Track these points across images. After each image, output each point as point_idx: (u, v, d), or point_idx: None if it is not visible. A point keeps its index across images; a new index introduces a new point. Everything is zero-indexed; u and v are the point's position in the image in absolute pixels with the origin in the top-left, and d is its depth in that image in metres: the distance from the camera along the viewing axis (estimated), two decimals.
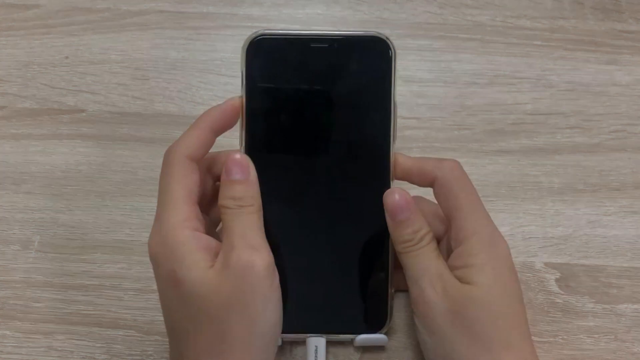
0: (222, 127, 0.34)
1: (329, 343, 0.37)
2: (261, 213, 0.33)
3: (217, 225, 0.37)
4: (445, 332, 0.31)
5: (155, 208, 0.33)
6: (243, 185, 0.32)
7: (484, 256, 0.32)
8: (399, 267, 0.35)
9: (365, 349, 0.38)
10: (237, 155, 0.33)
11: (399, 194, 0.33)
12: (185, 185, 0.32)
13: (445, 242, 0.35)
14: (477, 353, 0.30)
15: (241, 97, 0.34)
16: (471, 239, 0.32)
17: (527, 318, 0.32)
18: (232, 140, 0.44)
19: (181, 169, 0.32)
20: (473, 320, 0.31)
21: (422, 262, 0.33)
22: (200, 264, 0.30)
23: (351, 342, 0.36)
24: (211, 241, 0.32)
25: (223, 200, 0.32)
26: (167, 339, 0.33)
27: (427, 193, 0.40)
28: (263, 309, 0.30)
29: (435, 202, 0.36)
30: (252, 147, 0.34)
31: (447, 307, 0.31)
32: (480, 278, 0.31)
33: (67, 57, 0.47)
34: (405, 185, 0.37)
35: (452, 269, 0.33)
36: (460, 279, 0.32)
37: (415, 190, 0.39)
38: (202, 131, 0.33)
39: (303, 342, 0.37)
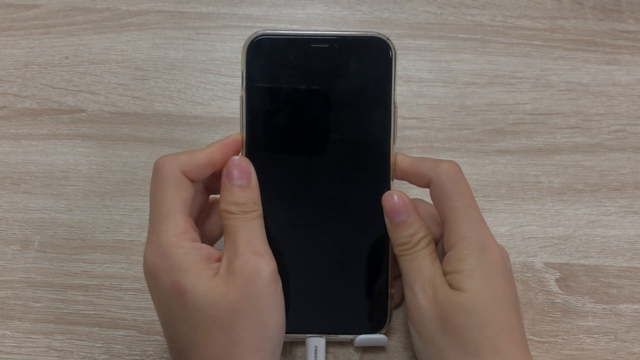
0: (221, 160, 0.33)
1: (328, 343, 0.37)
2: (262, 217, 0.33)
3: (211, 239, 0.36)
4: (434, 337, 0.31)
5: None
6: (245, 190, 0.32)
7: (473, 261, 0.32)
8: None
9: (365, 349, 0.38)
10: (238, 160, 0.33)
11: (397, 195, 0.34)
12: (181, 198, 0.32)
13: (441, 246, 0.35)
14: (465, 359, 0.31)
15: (241, 97, 0.34)
16: (461, 243, 0.32)
17: (521, 323, 0.32)
18: None
19: (176, 181, 0.32)
20: (461, 327, 0.31)
21: (416, 267, 0.33)
22: (206, 272, 0.30)
23: (351, 342, 0.36)
24: (211, 250, 0.32)
25: (226, 205, 0.32)
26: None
27: (426, 194, 0.40)
28: (271, 313, 0.31)
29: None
30: (252, 147, 0.34)
31: (437, 314, 0.31)
32: (469, 284, 0.31)
33: (67, 57, 0.47)
34: (407, 186, 0.37)
35: (444, 273, 0.33)
36: (451, 285, 0.32)
37: (416, 191, 0.39)
38: (201, 156, 0.33)
39: (303, 343, 0.37)
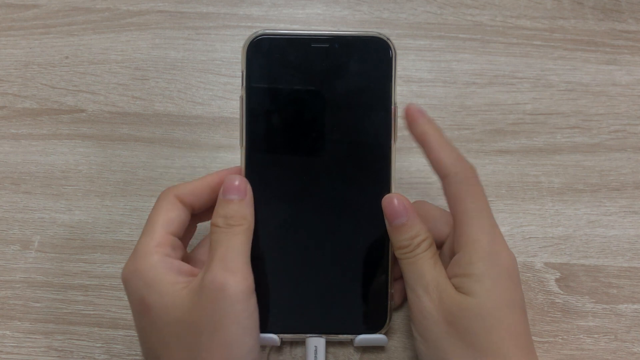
0: (220, 183, 0.34)
1: (328, 343, 0.37)
2: (250, 234, 0.33)
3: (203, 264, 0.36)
4: (439, 341, 0.31)
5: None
6: (236, 205, 0.33)
7: (483, 265, 0.31)
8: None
9: (365, 349, 0.38)
10: (236, 178, 0.33)
11: (397, 198, 0.33)
12: (166, 217, 0.33)
13: (448, 246, 0.35)
14: None
15: (241, 96, 0.34)
16: (471, 246, 0.32)
17: (528, 328, 0.32)
18: (232, 140, 0.45)
19: (166, 204, 0.33)
20: (467, 331, 0.30)
21: (418, 269, 0.32)
22: (170, 287, 0.30)
23: (351, 342, 0.36)
24: (183, 265, 0.32)
25: (214, 218, 0.33)
26: None
27: (426, 194, 0.40)
28: (237, 334, 0.30)
29: (438, 206, 0.36)
30: (252, 147, 0.34)
31: (442, 317, 0.31)
32: (477, 288, 0.31)
33: (67, 57, 0.47)
34: (406, 186, 0.37)
35: (451, 276, 0.32)
36: (458, 288, 0.31)
37: (416, 192, 0.39)
38: (200, 182, 0.34)
39: (303, 343, 0.37)
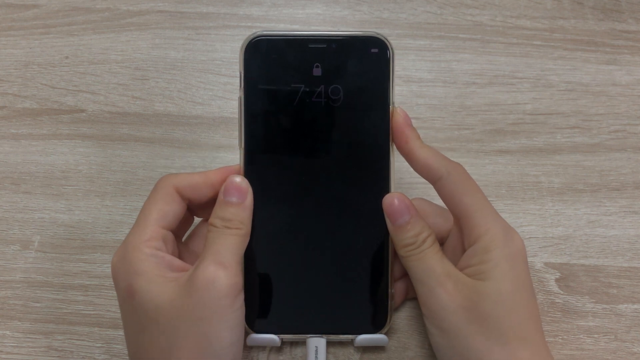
0: (220, 181, 0.34)
1: (329, 343, 0.37)
2: (246, 240, 0.33)
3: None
4: (458, 329, 0.31)
5: None
6: (236, 208, 0.33)
7: (499, 251, 0.31)
8: (406, 274, 0.35)
9: (365, 349, 0.38)
10: (238, 179, 0.33)
11: (398, 198, 0.33)
12: (161, 210, 0.33)
13: (452, 242, 0.35)
14: (493, 348, 0.30)
15: (239, 97, 0.34)
16: (485, 236, 0.32)
17: (539, 311, 0.32)
18: (232, 140, 0.45)
19: (164, 194, 0.33)
20: (487, 315, 0.30)
21: (427, 264, 0.32)
22: (158, 279, 0.31)
23: (351, 342, 0.36)
24: (174, 260, 0.32)
25: (212, 218, 0.33)
26: None
27: (426, 194, 0.40)
28: (218, 328, 0.30)
29: (435, 203, 0.36)
30: (251, 148, 0.34)
31: (460, 304, 0.31)
32: (495, 272, 0.31)
33: (67, 57, 0.47)
34: (406, 187, 0.37)
35: (466, 267, 0.32)
36: (474, 276, 0.32)
37: (416, 192, 0.39)
38: (201, 177, 0.34)
39: (303, 343, 0.37)
